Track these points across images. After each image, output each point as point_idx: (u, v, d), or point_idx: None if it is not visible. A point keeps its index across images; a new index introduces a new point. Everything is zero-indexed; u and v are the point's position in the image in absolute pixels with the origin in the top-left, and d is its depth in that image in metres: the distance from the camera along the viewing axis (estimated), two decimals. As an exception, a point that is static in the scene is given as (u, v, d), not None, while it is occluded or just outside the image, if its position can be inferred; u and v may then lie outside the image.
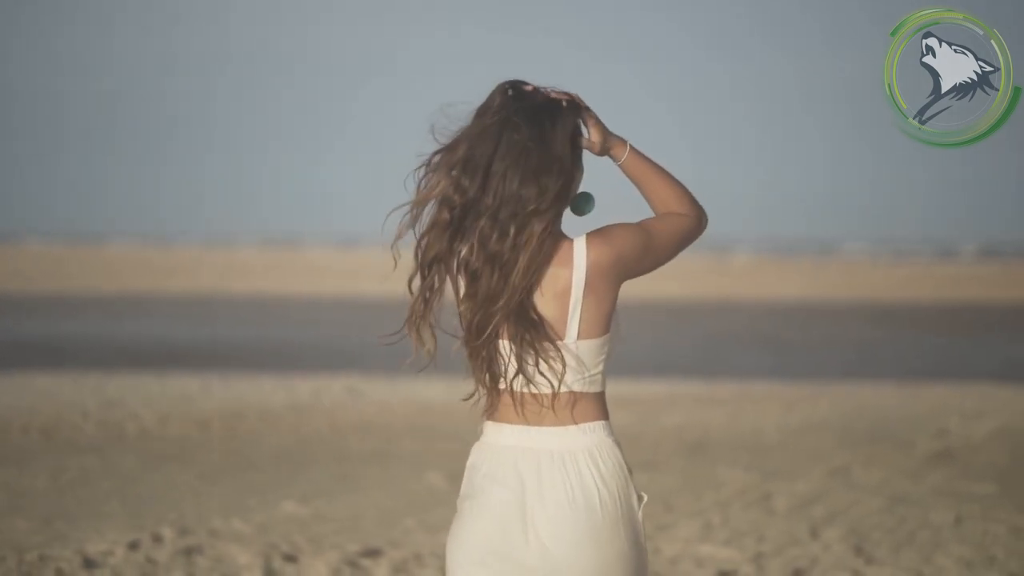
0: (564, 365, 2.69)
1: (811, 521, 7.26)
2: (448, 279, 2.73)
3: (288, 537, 6.64)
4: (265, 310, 27.64)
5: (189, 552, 6.29)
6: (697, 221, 2.78)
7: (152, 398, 12.22)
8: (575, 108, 2.72)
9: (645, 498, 2.75)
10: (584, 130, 2.75)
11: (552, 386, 2.69)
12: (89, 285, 34.74)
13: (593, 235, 2.71)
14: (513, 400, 2.71)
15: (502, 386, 2.71)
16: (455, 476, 8.48)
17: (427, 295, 2.74)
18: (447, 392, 13.38)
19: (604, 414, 2.75)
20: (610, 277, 2.71)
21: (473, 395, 2.74)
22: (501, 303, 2.66)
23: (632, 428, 10.71)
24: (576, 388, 2.71)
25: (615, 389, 13.95)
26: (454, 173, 2.68)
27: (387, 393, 13.17)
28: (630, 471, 2.74)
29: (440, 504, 7.64)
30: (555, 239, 2.70)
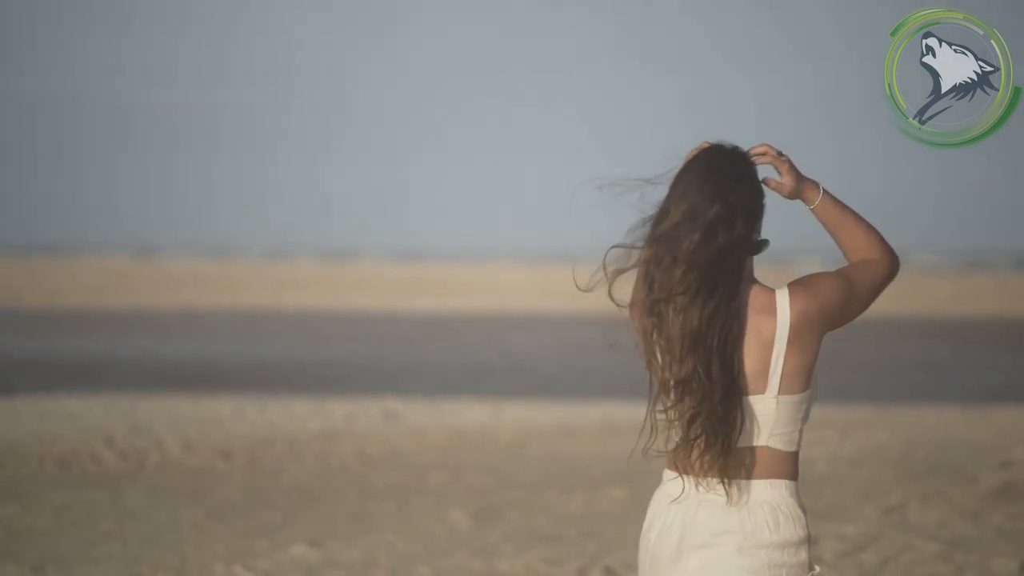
0: (760, 420, 2.69)
1: (861, 569, 6.68)
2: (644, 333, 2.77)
3: (291, 587, 6.18)
4: (315, 326, 27.34)
5: (179, 606, 5.83)
6: (891, 266, 2.76)
7: (181, 423, 11.84)
8: (766, 160, 2.77)
9: (817, 570, 2.72)
10: (776, 175, 2.78)
11: (746, 440, 2.69)
12: (143, 301, 34.68)
13: (795, 285, 2.72)
14: (703, 452, 2.70)
15: (698, 438, 2.70)
16: (480, 514, 7.98)
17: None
18: (488, 416, 12.91)
19: (793, 474, 2.74)
20: (815, 328, 2.70)
21: (650, 445, 2.74)
22: (712, 355, 2.68)
23: (674, 459, 10.14)
24: (772, 444, 2.71)
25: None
26: (651, 248, 2.72)
27: (425, 417, 12.70)
28: (809, 539, 2.71)
29: (460, 548, 7.14)
30: (752, 288, 2.72)
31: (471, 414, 13.08)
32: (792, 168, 2.78)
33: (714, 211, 2.69)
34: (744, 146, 2.80)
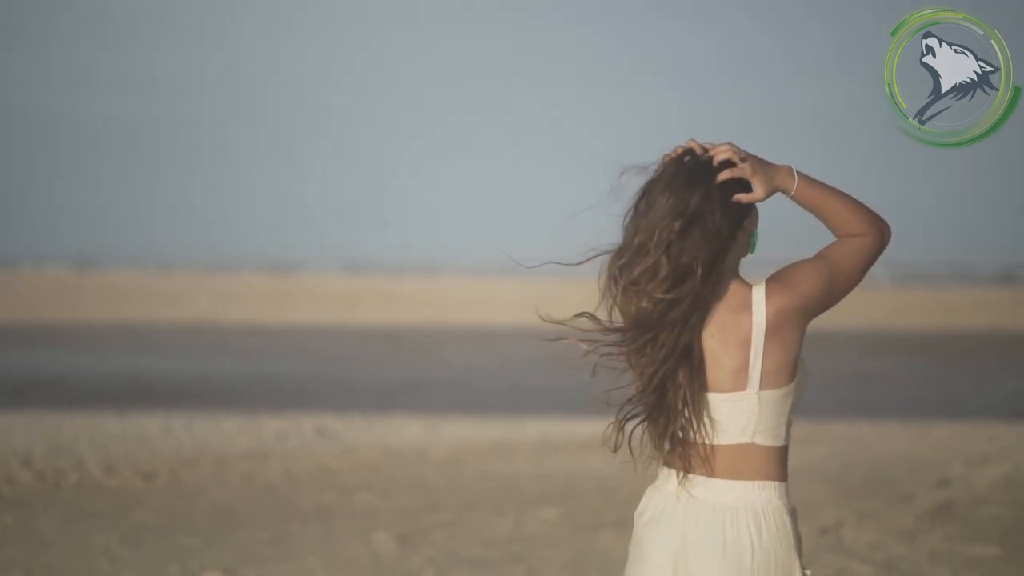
0: (743, 415, 2.63)
1: (792, 594, 6.50)
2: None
3: (200, 618, 5.90)
4: (255, 340, 26.97)
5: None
6: (879, 237, 2.70)
7: (105, 442, 11.50)
8: (728, 168, 2.68)
9: (809, 574, 2.66)
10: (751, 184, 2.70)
11: (730, 438, 2.63)
12: (80, 314, 34.13)
13: (773, 280, 2.67)
14: (688, 449, 2.66)
15: (687, 436, 2.65)
16: (405, 538, 7.74)
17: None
18: (424, 433, 12.66)
19: (781, 474, 2.68)
20: (794, 322, 2.65)
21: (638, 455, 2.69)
22: (673, 347, 2.62)
23: (608, 477, 9.94)
24: (757, 440, 2.65)
25: (596, 428, 13.25)
26: (631, 236, 2.67)
27: (359, 434, 12.43)
28: (799, 541, 2.66)
29: (381, 573, 6.89)
30: (731, 283, 2.66)
31: (406, 431, 12.83)
32: (756, 170, 2.67)
33: (696, 201, 2.63)
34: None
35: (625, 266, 2.65)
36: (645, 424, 2.69)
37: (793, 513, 2.69)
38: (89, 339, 26.33)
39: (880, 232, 2.70)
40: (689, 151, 2.70)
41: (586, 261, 2.69)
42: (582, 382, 2.72)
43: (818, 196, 2.69)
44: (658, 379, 2.64)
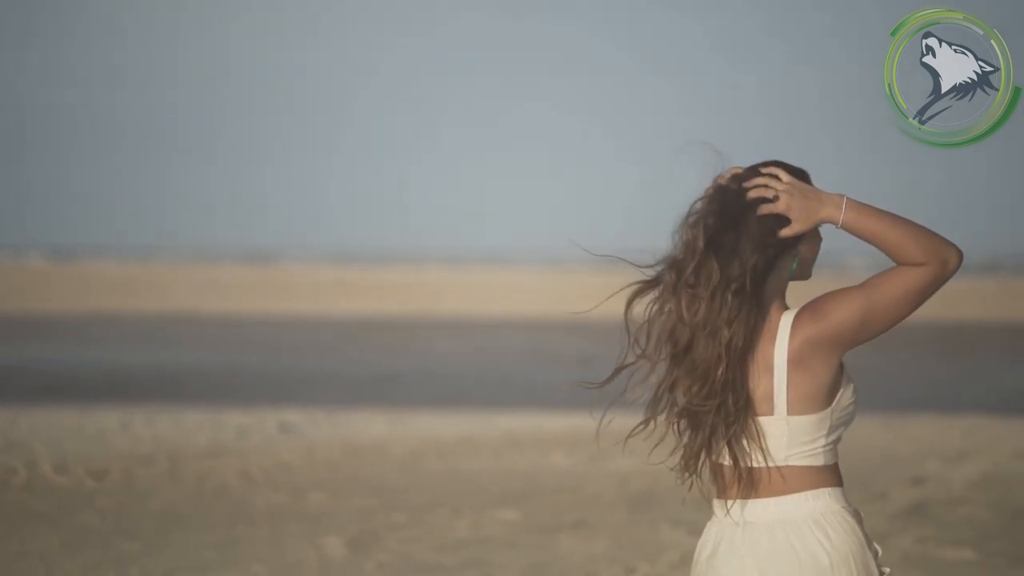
0: (773, 440, 2.61)
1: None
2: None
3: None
4: (233, 331, 26.65)
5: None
6: (939, 267, 2.62)
7: (61, 438, 11.19)
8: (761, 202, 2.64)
9: (888, 572, 2.64)
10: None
11: (766, 461, 2.62)
12: (55, 305, 33.75)
13: (805, 308, 2.64)
14: (733, 476, 2.66)
15: (724, 462, 2.65)
16: (358, 540, 7.46)
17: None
18: (388, 428, 12.39)
19: (832, 482, 2.65)
20: (823, 353, 2.61)
21: (689, 469, 2.66)
22: (712, 374, 2.61)
23: (572, 475, 9.66)
24: (795, 463, 2.63)
25: (565, 424, 12.98)
26: (683, 235, 2.66)
27: (322, 430, 12.14)
28: (870, 543, 2.63)
29: (328, 581, 6.60)
30: (772, 307, 2.63)
31: (370, 426, 12.54)
32: (793, 204, 2.62)
33: (752, 206, 2.61)
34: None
35: (680, 272, 2.62)
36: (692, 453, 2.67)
37: (857, 516, 2.66)
38: (60, 330, 25.97)
39: (942, 261, 2.62)
40: (730, 181, 2.67)
41: (654, 266, 2.66)
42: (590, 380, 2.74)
43: (871, 226, 2.63)
44: (700, 398, 2.61)
